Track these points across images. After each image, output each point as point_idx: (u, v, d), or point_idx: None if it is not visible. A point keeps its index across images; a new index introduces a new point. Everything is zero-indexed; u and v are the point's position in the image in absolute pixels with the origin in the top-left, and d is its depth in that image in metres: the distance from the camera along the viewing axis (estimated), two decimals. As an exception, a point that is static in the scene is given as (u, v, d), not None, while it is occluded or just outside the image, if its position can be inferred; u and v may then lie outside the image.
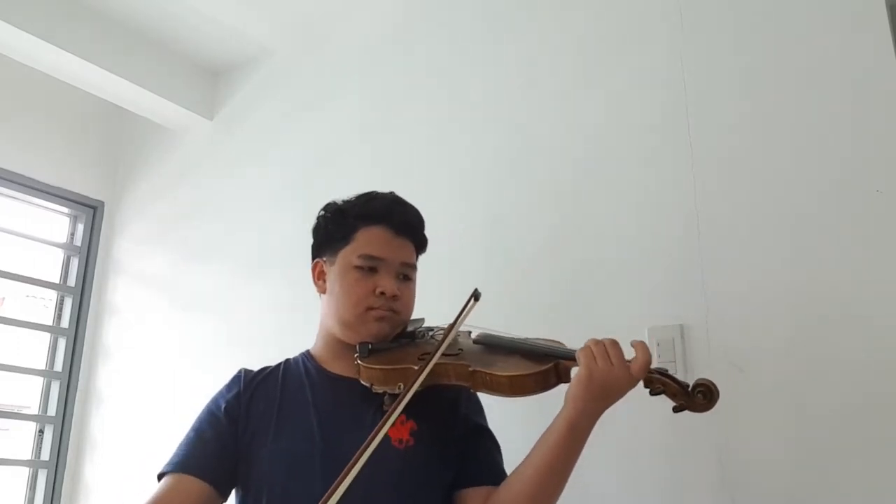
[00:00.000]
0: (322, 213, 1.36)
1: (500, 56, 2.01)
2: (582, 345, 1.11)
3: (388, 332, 1.25)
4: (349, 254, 1.27)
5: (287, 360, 1.34)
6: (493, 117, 1.97)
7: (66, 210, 2.76)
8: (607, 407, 1.09)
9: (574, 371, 1.11)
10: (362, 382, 1.20)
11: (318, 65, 2.43)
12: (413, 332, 1.29)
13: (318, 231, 1.35)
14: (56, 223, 2.77)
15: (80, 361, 2.65)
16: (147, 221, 2.72)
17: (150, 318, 2.59)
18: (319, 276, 1.33)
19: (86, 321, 2.69)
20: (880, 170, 1.38)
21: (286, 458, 1.17)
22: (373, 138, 2.20)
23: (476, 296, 1.20)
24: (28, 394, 2.65)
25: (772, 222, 1.48)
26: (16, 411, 2.75)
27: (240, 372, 1.31)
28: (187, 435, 1.24)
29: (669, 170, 1.63)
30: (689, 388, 1.06)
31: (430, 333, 1.31)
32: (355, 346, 1.22)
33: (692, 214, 1.57)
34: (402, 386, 1.14)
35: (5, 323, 2.51)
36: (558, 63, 1.89)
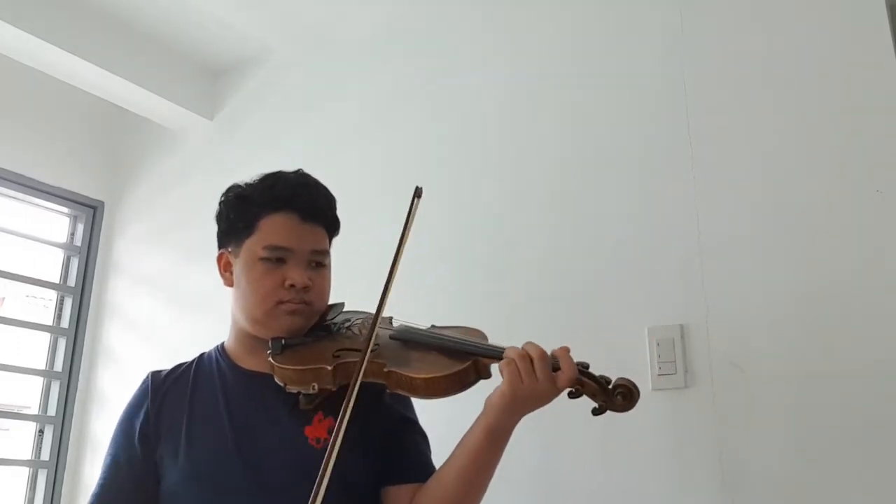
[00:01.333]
0: (223, 198, 1.24)
1: (499, 56, 2.01)
2: (509, 344, 1.06)
3: (301, 326, 1.17)
4: (254, 244, 1.17)
5: (201, 356, 1.27)
6: (492, 117, 1.97)
7: (66, 210, 2.76)
8: (528, 413, 1.05)
9: (494, 367, 1.07)
10: (276, 381, 1.13)
11: (318, 65, 2.43)
12: (329, 325, 1.21)
13: (220, 219, 1.25)
14: (56, 223, 2.77)
15: (80, 361, 2.65)
16: (147, 221, 2.72)
17: (150, 318, 2.59)
18: (225, 268, 1.23)
19: (86, 321, 2.69)
20: (880, 170, 1.38)
21: (199, 468, 1.11)
22: (372, 138, 2.20)
23: (418, 193, 1.14)
24: (28, 394, 2.65)
25: (772, 222, 1.48)
26: (16, 411, 2.76)
27: (147, 379, 1.23)
28: (105, 461, 1.19)
29: (669, 170, 1.63)
30: (610, 387, 1.03)
31: (348, 324, 1.23)
32: (269, 342, 1.15)
33: (692, 214, 1.57)
34: (315, 386, 1.09)
35: (5, 323, 2.51)
36: (558, 64, 1.89)
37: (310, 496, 0.92)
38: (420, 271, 1.94)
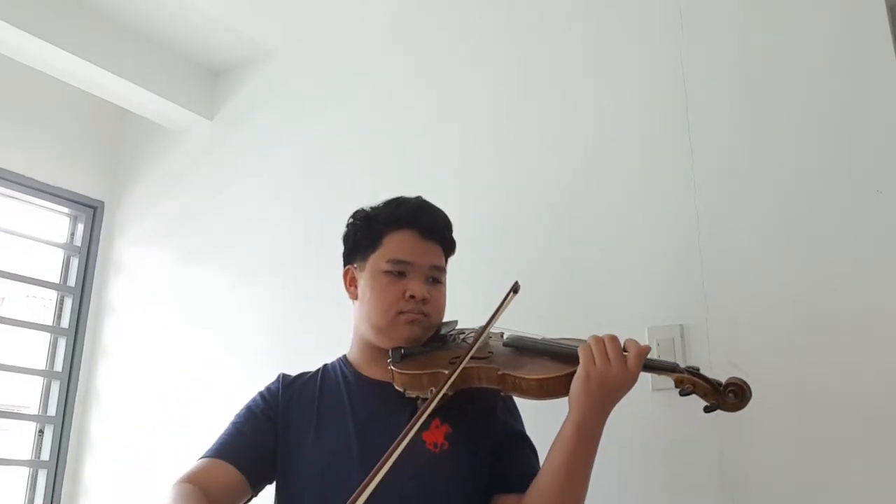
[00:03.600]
0: (351, 220, 1.37)
1: (500, 56, 2.01)
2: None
3: (419, 336, 1.27)
4: (378, 259, 1.29)
5: (325, 366, 1.37)
6: (493, 117, 1.97)
7: (66, 210, 2.76)
8: (612, 405, 1.10)
9: None
10: (396, 387, 1.22)
11: (318, 65, 2.43)
12: (445, 336, 1.31)
13: (347, 238, 1.37)
14: (56, 223, 2.76)
15: (80, 361, 2.65)
16: (147, 221, 2.72)
17: (150, 318, 2.59)
18: (351, 283, 1.35)
19: (86, 321, 2.69)
20: (880, 170, 1.38)
21: (324, 462, 1.19)
22: (372, 139, 2.20)
23: (515, 289, 1.22)
24: (28, 394, 2.65)
25: (772, 222, 1.48)
26: (16, 411, 2.75)
27: (279, 376, 1.34)
28: (226, 429, 1.27)
29: (670, 170, 1.63)
30: (721, 387, 1.07)
31: (462, 336, 1.32)
32: (389, 351, 1.24)
33: (692, 214, 1.57)
34: (433, 390, 1.14)
35: (5, 323, 2.51)
36: (559, 64, 1.89)
37: (424, 498, 1.03)
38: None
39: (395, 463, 1.12)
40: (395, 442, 1.00)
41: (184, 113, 2.61)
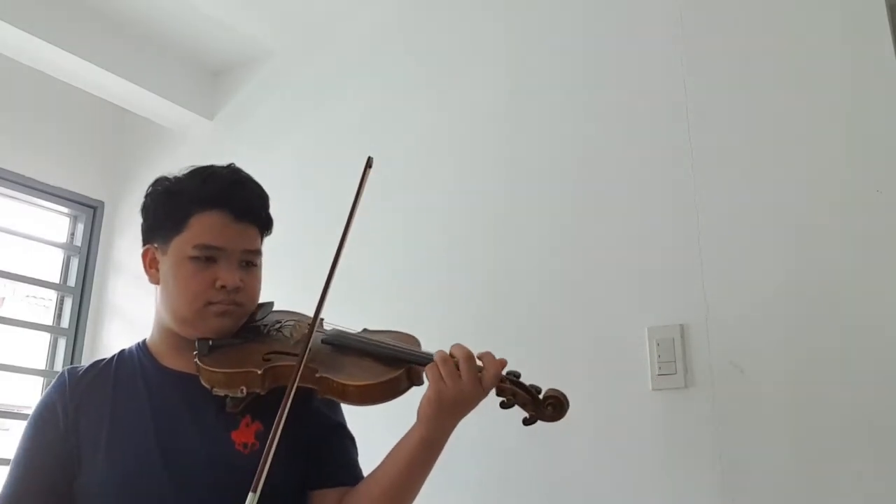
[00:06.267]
0: (150, 189, 1.19)
1: (499, 55, 2.01)
2: (436, 349, 1.05)
3: (231, 327, 1.13)
4: (183, 243, 1.12)
5: (122, 353, 1.20)
6: (492, 116, 1.97)
7: (66, 210, 2.76)
8: (460, 419, 1.04)
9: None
10: (203, 383, 1.09)
11: (318, 65, 2.43)
12: (258, 326, 1.17)
13: (147, 212, 1.18)
14: (56, 223, 2.77)
15: (80, 362, 2.65)
16: (147, 221, 2.72)
17: (150, 318, 2.58)
18: (151, 265, 1.17)
19: (86, 321, 2.69)
20: (880, 170, 1.38)
21: (121, 477, 1.05)
22: (372, 138, 2.20)
23: (370, 164, 1.11)
24: (28, 394, 2.65)
25: (772, 222, 1.48)
26: (16, 411, 2.75)
27: (63, 374, 1.15)
28: (14, 470, 1.09)
29: (669, 170, 1.63)
30: (541, 398, 1.02)
31: (278, 325, 1.18)
32: (195, 342, 1.11)
33: (692, 214, 1.57)
34: (244, 390, 1.06)
35: (5, 323, 2.51)
36: (559, 63, 1.89)
37: (233, 502, 0.90)
38: (419, 268, 1.94)
39: (200, 464, 1.04)
40: (259, 469, 0.91)
41: (184, 113, 2.61)
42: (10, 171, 2.54)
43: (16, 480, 1.07)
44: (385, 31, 2.29)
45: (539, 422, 1.02)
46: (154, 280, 1.18)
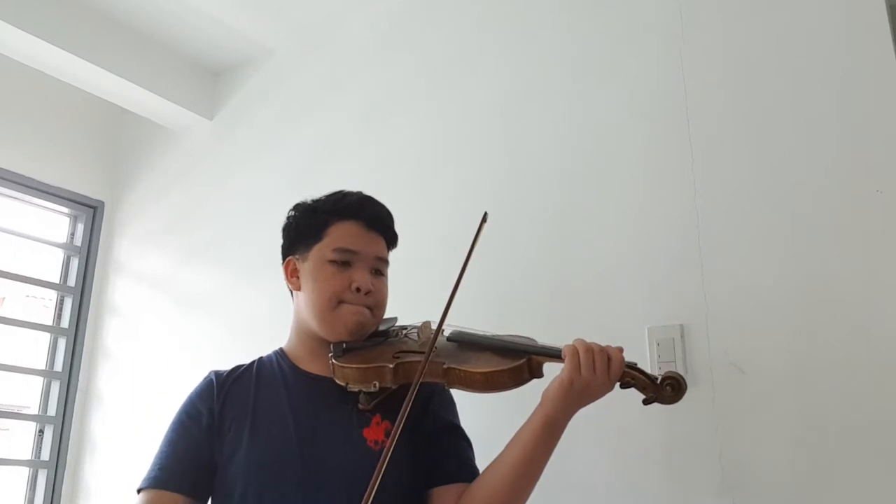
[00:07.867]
0: (292, 212, 1.36)
1: (499, 57, 2.01)
2: (562, 345, 1.12)
3: (363, 328, 1.25)
4: (323, 248, 1.27)
5: (260, 359, 1.33)
6: (492, 116, 1.97)
7: (66, 210, 2.76)
8: (582, 406, 1.11)
9: (546, 366, 1.14)
10: (337, 382, 1.20)
11: (318, 65, 2.43)
12: (386, 332, 1.29)
13: (289, 230, 1.35)
14: (56, 223, 2.77)
15: (80, 361, 2.65)
16: (147, 221, 2.72)
17: (150, 318, 2.59)
18: (292, 274, 1.32)
19: (86, 321, 2.69)
20: (880, 170, 1.38)
21: (262, 460, 1.16)
22: (372, 139, 2.20)
23: (485, 219, 1.22)
24: (28, 394, 2.66)
25: (772, 222, 1.48)
26: (16, 411, 2.76)
27: (210, 375, 1.28)
28: (161, 447, 1.23)
29: (669, 169, 1.63)
30: (658, 381, 1.09)
31: (403, 332, 1.31)
32: (330, 346, 1.23)
33: (692, 214, 1.57)
34: (376, 384, 1.16)
35: (5, 323, 2.51)
36: (558, 64, 1.89)
37: (358, 489, 0.98)
38: (418, 268, 1.94)
39: (335, 459, 1.15)
40: (380, 461, 0.98)
41: (184, 113, 2.61)
42: (9, 171, 2.54)
43: (162, 459, 1.21)
44: (384, 32, 2.29)
45: (657, 403, 1.10)
46: (295, 287, 1.32)
